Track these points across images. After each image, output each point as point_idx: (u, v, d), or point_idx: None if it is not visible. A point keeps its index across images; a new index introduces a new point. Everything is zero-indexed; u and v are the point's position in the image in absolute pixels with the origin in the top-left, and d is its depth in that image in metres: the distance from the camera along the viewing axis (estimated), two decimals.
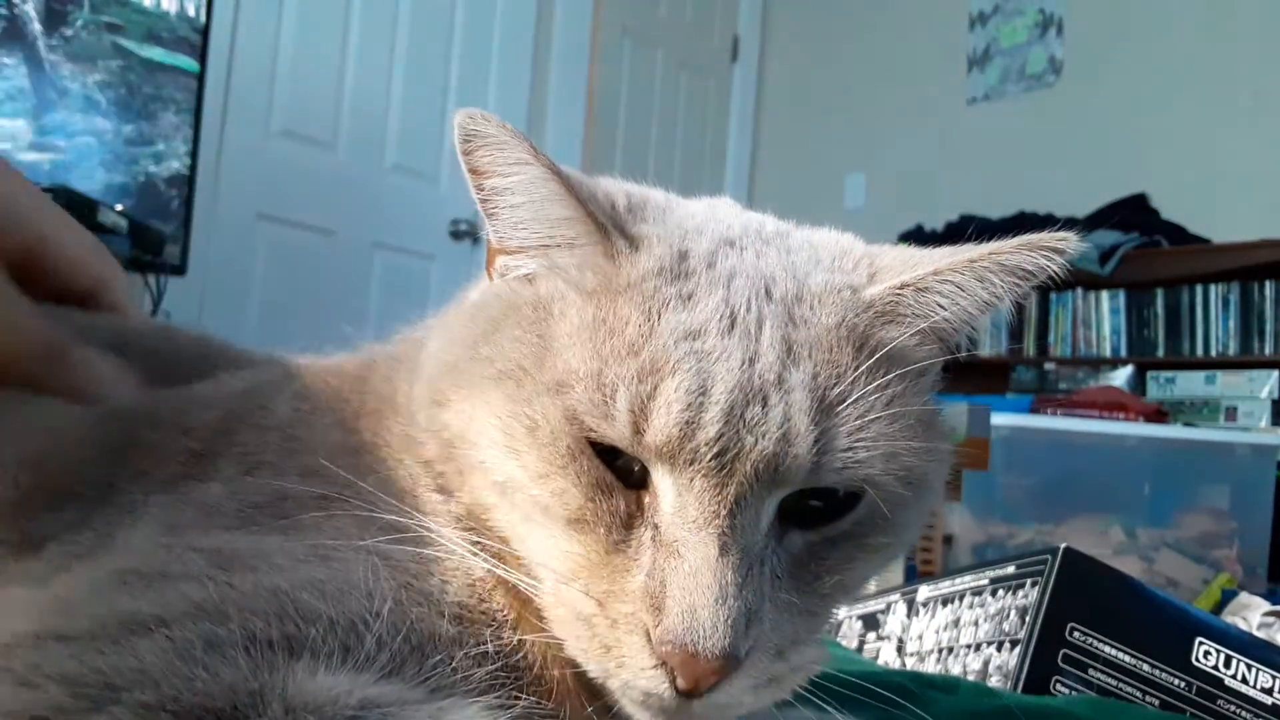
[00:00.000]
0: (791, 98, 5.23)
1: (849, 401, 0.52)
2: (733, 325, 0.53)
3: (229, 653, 0.44)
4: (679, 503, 0.51)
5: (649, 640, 0.49)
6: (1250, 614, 1.54)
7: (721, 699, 0.50)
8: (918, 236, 4.19)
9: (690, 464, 0.50)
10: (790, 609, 0.52)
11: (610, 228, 0.56)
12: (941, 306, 0.57)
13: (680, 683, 0.49)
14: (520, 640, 0.54)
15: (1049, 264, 0.56)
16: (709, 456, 0.50)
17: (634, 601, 0.50)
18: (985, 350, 4.32)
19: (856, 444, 0.52)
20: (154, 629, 0.45)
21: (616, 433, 0.51)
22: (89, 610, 0.47)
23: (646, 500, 0.52)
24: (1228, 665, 0.93)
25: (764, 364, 0.51)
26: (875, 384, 0.53)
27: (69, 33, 2.41)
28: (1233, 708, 0.92)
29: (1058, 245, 0.55)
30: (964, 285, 0.57)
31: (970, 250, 0.57)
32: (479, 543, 0.56)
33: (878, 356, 0.54)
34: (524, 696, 0.52)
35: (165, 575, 0.49)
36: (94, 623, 0.45)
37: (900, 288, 0.57)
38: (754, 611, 0.50)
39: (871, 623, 1.22)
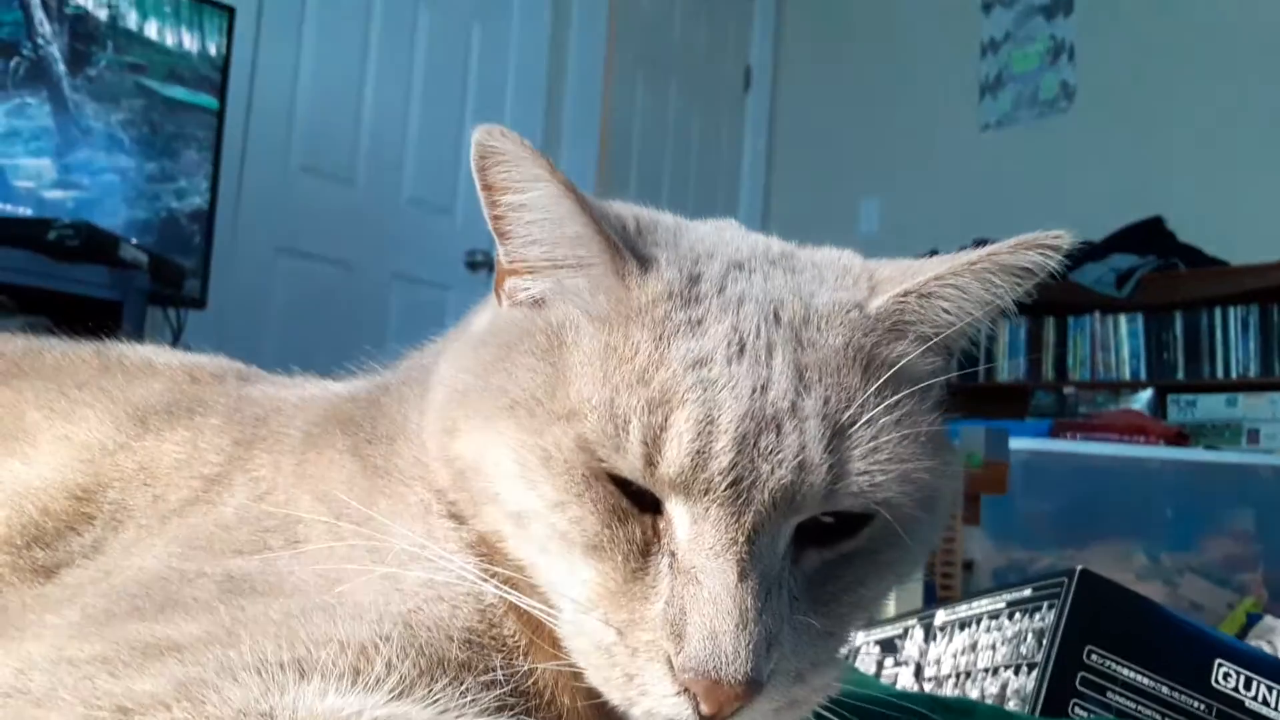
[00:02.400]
0: (804, 126, 5.25)
1: (860, 424, 0.52)
2: (742, 352, 0.53)
3: (240, 675, 0.45)
4: (694, 531, 0.51)
5: (671, 668, 0.49)
6: (1275, 638, 1.51)
7: None
8: None
9: (705, 494, 0.50)
10: (809, 631, 0.53)
11: (622, 247, 0.56)
12: (946, 311, 0.57)
13: (704, 709, 0.49)
14: (531, 667, 0.55)
15: (1047, 260, 0.56)
16: (723, 486, 0.50)
17: (654, 629, 0.50)
18: (1004, 375, 4.29)
19: (871, 467, 0.52)
20: (165, 652, 0.46)
21: (629, 465, 0.51)
22: (102, 634, 0.47)
23: (662, 526, 0.52)
24: (1248, 687, 0.92)
25: (776, 392, 0.52)
26: (885, 404, 0.54)
27: (93, 73, 2.46)
28: None
29: (1054, 242, 0.56)
30: (966, 287, 0.57)
31: (968, 254, 0.58)
32: (491, 570, 0.56)
33: (886, 376, 0.54)
34: None
35: (177, 600, 0.50)
36: (107, 646, 0.46)
37: (903, 295, 0.57)
38: (774, 635, 0.50)
39: (889, 647, 1.21)
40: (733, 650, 0.48)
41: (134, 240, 2.40)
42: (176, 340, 2.65)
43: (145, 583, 0.52)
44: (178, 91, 2.60)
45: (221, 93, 2.69)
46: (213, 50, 2.66)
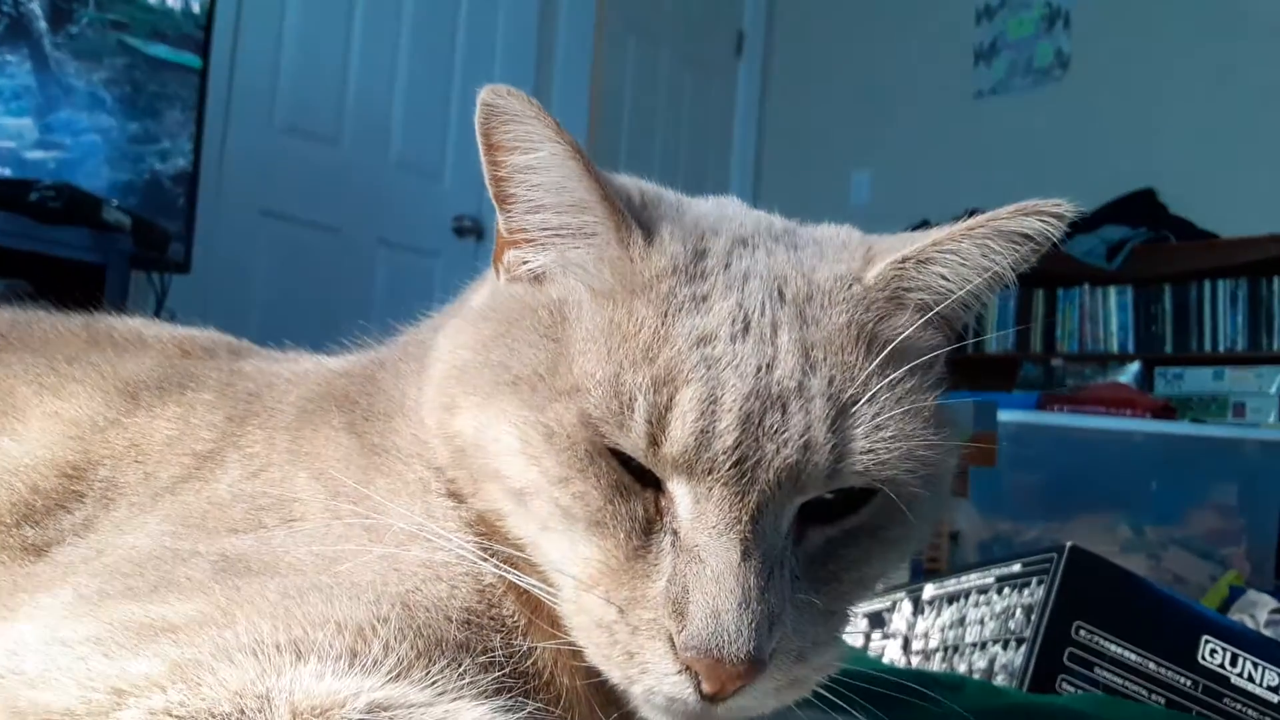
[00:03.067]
0: (797, 93, 5.21)
1: (863, 402, 0.52)
2: (746, 329, 0.52)
3: (236, 656, 0.44)
4: (697, 510, 0.50)
5: (672, 646, 0.49)
6: (1258, 611, 1.53)
7: (745, 702, 0.51)
8: None
9: (708, 473, 0.50)
10: (810, 610, 0.53)
11: (628, 215, 0.55)
12: (944, 278, 0.57)
13: (705, 687, 0.49)
14: (530, 647, 0.54)
15: (1048, 228, 0.56)
16: (727, 466, 0.50)
17: (656, 607, 0.50)
18: (992, 347, 4.30)
19: (875, 445, 0.52)
20: (160, 633, 0.45)
21: (631, 443, 0.51)
22: (95, 614, 0.47)
23: (664, 504, 0.52)
24: (1234, 663, 0.93)
25: (782, 370, 0.51)
26: (887, 380, 0.53)
27: (74, 30, 2.41)
28: (1239, 706, 0.91)
29: (1054, 210, 0.56)
30: (964, 254, 0.57)
31: (968, 221, 0.57)
32: (490, 549, 0.56)
33: (887, 352, 0.54)
34: (532, 701, 0.52)
35: (171, 579, 0.49)
36: (100, 626, 0.45)
37: (902, 262, 0.57)
38: (776, 615, 0.50)
39: (877, 621, 1.21)
40: (735, 629, 0.48)
41: (116, 202, 2.37)
42: (160, 305, 2.62)
43: (138, 562, 0.51)
44: (160, 50, 2.56)
45: (205, 51, 2.64)
46: (196, 7, 2.61)
